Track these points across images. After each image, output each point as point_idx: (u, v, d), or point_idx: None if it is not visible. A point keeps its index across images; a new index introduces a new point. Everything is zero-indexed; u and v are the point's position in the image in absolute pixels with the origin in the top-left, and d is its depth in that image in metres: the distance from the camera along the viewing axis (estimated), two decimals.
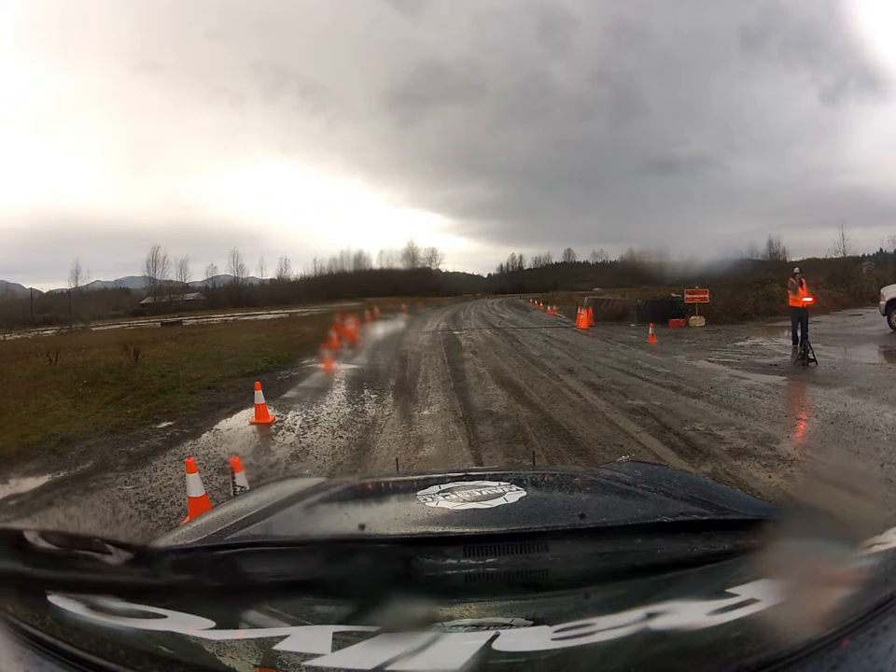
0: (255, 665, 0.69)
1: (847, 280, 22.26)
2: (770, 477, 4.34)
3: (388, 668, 0.60)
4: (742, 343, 12.85)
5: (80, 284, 32.67)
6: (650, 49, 46.17)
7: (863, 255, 30.59)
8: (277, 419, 7.20)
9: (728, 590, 0.74)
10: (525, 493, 1.17)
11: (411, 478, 1.57)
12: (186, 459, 4.46)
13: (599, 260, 39.84)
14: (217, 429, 6.92)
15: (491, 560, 0.94)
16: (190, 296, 35.48)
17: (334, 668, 0.63)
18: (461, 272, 42.99)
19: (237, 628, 0.84)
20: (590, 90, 48.54)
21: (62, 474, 5.49)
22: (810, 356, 9.26)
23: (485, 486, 1.22)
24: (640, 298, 20.39)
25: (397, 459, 4.57)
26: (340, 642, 0.69)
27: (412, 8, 52.76)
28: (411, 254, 39.66)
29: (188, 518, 3.68)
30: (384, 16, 50.60)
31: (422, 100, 56.47)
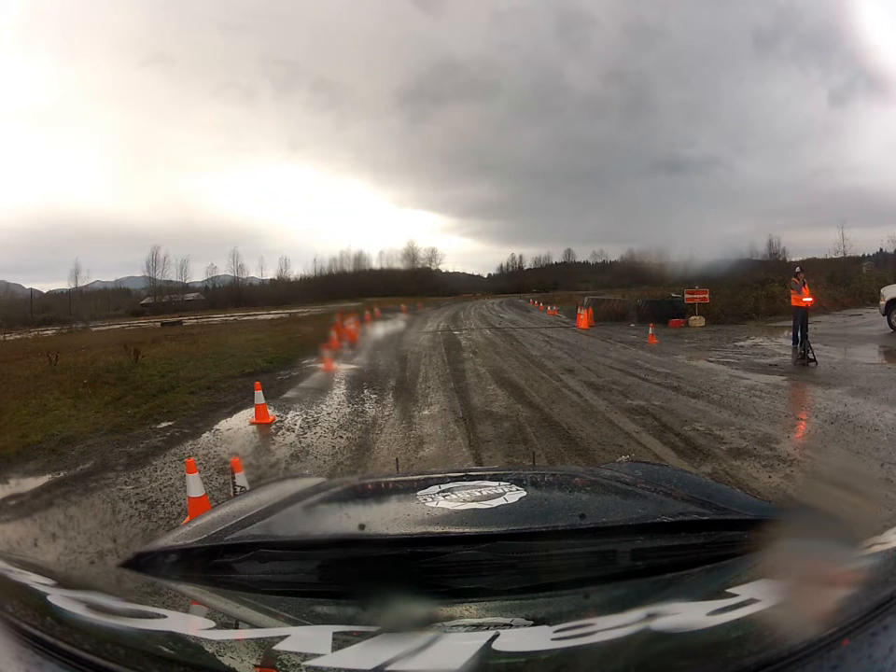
0: (255, 665, 0.69)
1: (847, 280, 22.24)
2: (770, 477, 4.34)
3: (388, 668, 0.60)
4: (742, 343, 12.85)
5: (80, 284, 32.65)
6: (664, 49, 46.04)
7: (863, 255, 30.56)
8: (277, 419, 7.20)
9: (728, 590, 0.74)
10: (525, 493, 1.17)
11: (411, 478, 1.57)
12: (186, 459, 4.46)
13: (599, 260, 39.79)
14: (216, 429, 6.91)
15: (491, 560, 0.94)
16: (190, 296, 35.43)
17: (334, 668, 0.63)
18: (461, 272, 42.93)
19: (237, 628, 0.84)
20: (602, 89, 48.39)
21: (62, 474, 5.49)
22: (810, 356, 9.26)
23: (485, 486, 1.22)
24: (640, 298, 20.38)
25: (397, 459, 4.57)
26: (340, 642, 0.69)
27: (431, 5, 52.28)
28: (411, 254, 39.61)
29: (188, 518, 3.68)
30: (401, 12, 50.33)
31: (434, 98, 56.15)
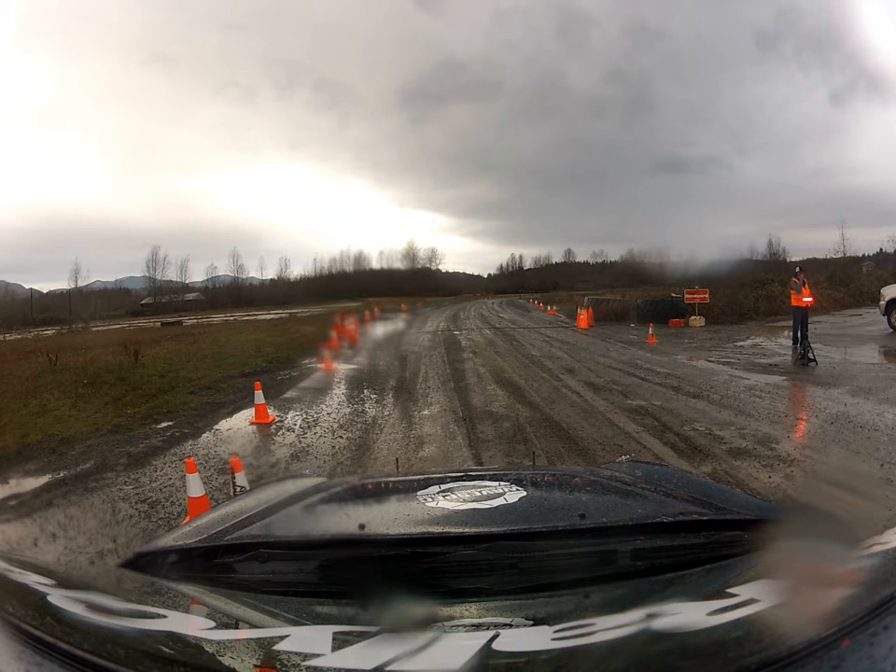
0: (255, 665, 0.69)
1: (847, 280, 22.23)
2: (770, 477, 4.34)
3: (388, 668, 0.60)
4: (742, 343, 12.84)
5: (80, 284, 32.65)
6: (665, 49, 46.03)
7: (863, 255, 30.57)
8: (277, 419, 7.20)
9: (728, 590, 0.74)
10: (525, 493, 1.17)
11: (411, 478, 1.57)
12: (186, 459, 4.46)
13: (599, 260, 39.84)
14: (216, 429, 6.91)
15: (491, 560, 0.94)
16: (190, 296, 35.43)
17: (334, 668, 0.63)
18: (461, 272, 42.99)
19: (237, 628, 0.84)
20: (603, 89, 48.33)
21: (62, 474, 5.49)
22: (810, 356, 9.26)
23: (485, 486, 1.22)
24: (640, 298, 20.37)
25: (397, 459, 4.57)
26: (340, 642, 0.69)
27: (432, 4, 52.15)
28: (411, 254, 39.64)
29: (188, 518, 3.68)
30: (403, 11, 50.16)
31: (435, 98, 56.11)
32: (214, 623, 0.80)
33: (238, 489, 3.68)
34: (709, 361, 10.37)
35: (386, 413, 7.25)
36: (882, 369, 9.14)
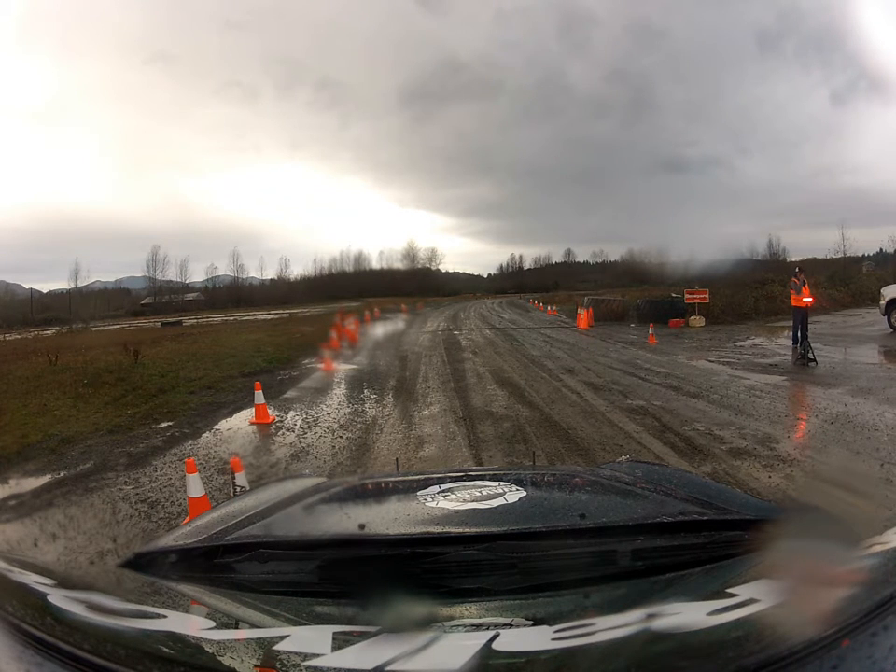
0: (255, 665, 0.69)
1: (847, 280, 22.24)
2: (770, 477, 4.34)
3: (388, 668, 0.60)
4: (742, 343, 12.84)
5: (80, 284, 32.69)
6: (667, 49, 46.22)
7: (863, 255, 30.58)
8: (277, 419, 7.20)
9: (728, 590, 0.74)
10: (525, 493, 1.17)
11: (411, 478, 1.57)
12: (186, 459, 4.46)
13: (599, 260, 39.89)
14: (216, 429, 6.91)
15: (491, 560, 0.94)
16: (190, 296, 35.48)
17: (334, 668, 0.63)
18: (461, 272, 43.09)
19: (237, 628, 0.84)
20: (604, 89, 48.55)
21: (62, 474, 5.49)
22: (810, 356, 9.26)
23: (485, 486, 1.22)
24: (640, 298, 20.38)
25: (397, 459, 4.57)
26: (340, 642, 0.69)
27: (434, 4, 52.42)
28: (411, 254, 39.70)
29: (188, 518, 3.68)
30: (404, 11, 50.16)
31: (437, 97, 56.48)
32: (214, 623, 0.80)
33: (238, 489, 3.68)
34: (709, 361, 10.36)
35: (386, 413, 7.25)
36: (882, 369, 9.14)
